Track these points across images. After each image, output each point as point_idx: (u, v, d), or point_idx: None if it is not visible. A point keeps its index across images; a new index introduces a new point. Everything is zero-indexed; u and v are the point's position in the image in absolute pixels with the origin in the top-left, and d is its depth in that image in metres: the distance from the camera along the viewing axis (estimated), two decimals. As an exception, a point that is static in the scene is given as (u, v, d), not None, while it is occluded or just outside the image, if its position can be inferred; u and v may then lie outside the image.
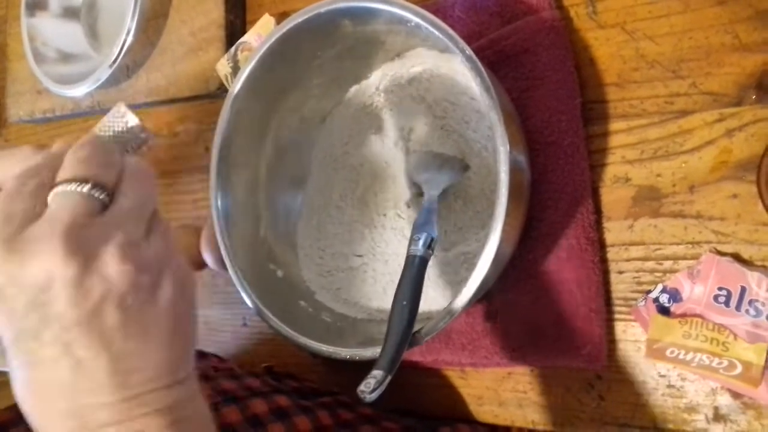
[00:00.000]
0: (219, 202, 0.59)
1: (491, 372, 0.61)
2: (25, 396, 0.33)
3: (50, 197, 0.33)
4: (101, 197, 0.34)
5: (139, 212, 0.35)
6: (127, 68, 0.81)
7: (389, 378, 0.46)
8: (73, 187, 0.33)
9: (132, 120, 0.43)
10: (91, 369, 0.32)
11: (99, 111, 0.86)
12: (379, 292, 0.61)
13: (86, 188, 0.33)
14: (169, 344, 0.34)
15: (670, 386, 0.54)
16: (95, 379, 0.32)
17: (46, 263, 0.31)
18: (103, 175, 0.34)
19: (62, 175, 0.34)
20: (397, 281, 0.51)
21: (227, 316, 0.76)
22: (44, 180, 0.34)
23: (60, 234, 0.31)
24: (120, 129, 0.43)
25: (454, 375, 0.63)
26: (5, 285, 0.31)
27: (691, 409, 0.53)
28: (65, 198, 0.33)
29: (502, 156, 0.46)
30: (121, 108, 0.43)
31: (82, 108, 0.87)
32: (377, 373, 0.46)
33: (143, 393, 0.33)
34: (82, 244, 0.32)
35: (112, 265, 0.32)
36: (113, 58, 0.76)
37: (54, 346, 0.32)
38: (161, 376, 0.34)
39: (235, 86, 0.59)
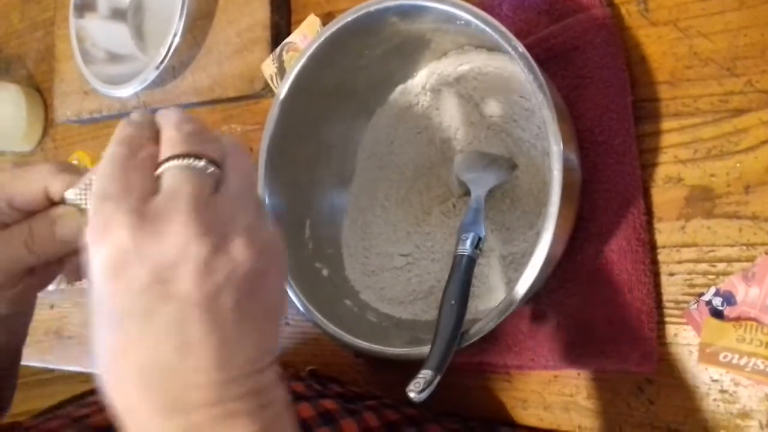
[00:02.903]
0: (266, 202, 0.60)
1: (537, 375, 0.60)
2: (116, 373, 0.32)
3: (163, 170, 0.33)
4: (216, 173, 0.33)
5: (251, 190, 0.35)
6: (173, 69, 0.82)
7: (438, 378, 0.45)
8: (188, 162, 0.33)
9: None
10: (199, 349, 0.31)
11: (145, 111, 0.87)
12: (425, 291, 0.61)
13: (202, 163, 0.33)
14: (267, 329, 0.34)
15: (722, 391, 0.53)
16: (200, 360, 0.31)
17: (179, 240, 0.31)
18: (213, 150, 0.34)
19: (173, 149, 0.33)
20: (442, 281, 0.51)
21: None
22: (153, 152, 0.33)
23: (189, 211, 0.31)
24: None
25: (498, 377, 0.62)
26: (129, 259, 0.31)
27: (745, 414, 0.52)
28: (183, 173, 0.32)
29: (555, 154, 0.45)
30: None
31: (128, 108, 0.88)
32: (426, 372, 0.45)
33: (240, 376, 0.32)
34: (212, 224, 0.31)
35: (240, 248, 0.32)
36: (160, 59, 0.77)
37: (166, 324, 0.31)
38: (256, 360, 0.33)
39: (284, 86, 0.59)
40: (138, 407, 0.32)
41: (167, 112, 0.36)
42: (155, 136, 0.35)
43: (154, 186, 0.33)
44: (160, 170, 0.33)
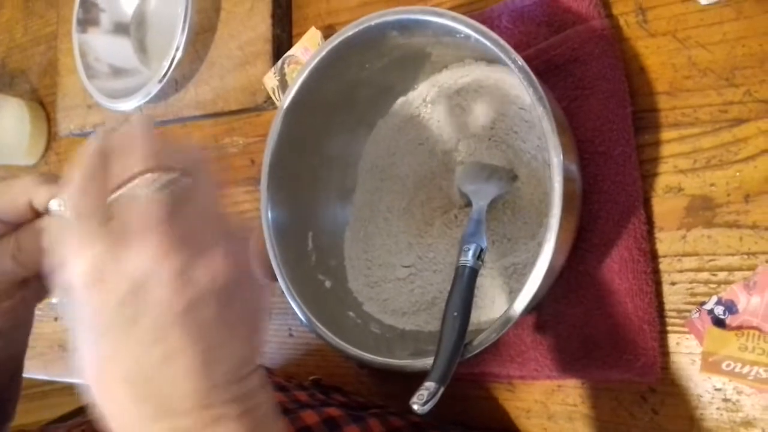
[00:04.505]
0: (269, 214, 0.60)
1: (540, 384, 0.60)
2: (102, 383, 0.33)
3: (135, 184, 0.33)
4: (186, 185, 0.34)
5: (219, 200, 0.35)
6: (176, 82, 0.83)
7: (442, 390, 0.45)
8: (158, 175, 0.33)
9: None
10: (181, 358, 0.32)
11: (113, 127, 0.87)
12: (427, 302, 0.61)
13: (172, 176, 0.33)
14: (249, 336, 0.35)
15: (725, 400, 0.53)
16: (183, 369, 0.32)
17: (152, 253, 0.31)
18: (182, 162, 0.34)
19: (143, 162, 0.34)
20: (445, 292, 0.51)
21: (273, 326, 0.77)
22: (125, 165, 0.34)
23: (163, 223, 0.31)
24: None
25: (502, 387, 0.62)
26: (106, 272, 0.31)
27: (748, 423, 0.52)
28: (154, 186, 0.33)
29: (555, 166, 0.45)
30: None
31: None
32: (430, 384, 0.46)
33: (224, 383, 0.33)
34: (186, 235, 0.32)
35: (217, 259, 0.32)
36: (163, 73, 0.77)
37: (148, 334, 0.31)
38: (240, 367, 0.34)
39: (286, 99, 0.59)
40: (125, 414, 0.33)
41: (134, 123, 0.36)
42: (126, 149, 0.35)
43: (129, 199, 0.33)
44: (132, 184, 0.33)
